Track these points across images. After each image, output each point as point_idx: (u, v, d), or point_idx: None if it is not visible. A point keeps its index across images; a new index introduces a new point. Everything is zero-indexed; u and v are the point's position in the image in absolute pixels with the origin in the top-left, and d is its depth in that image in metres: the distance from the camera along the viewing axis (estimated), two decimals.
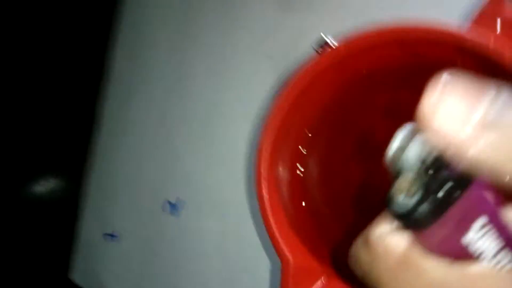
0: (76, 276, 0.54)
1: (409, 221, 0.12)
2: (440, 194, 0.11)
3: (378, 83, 0.25)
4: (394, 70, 0.24)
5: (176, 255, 0.45)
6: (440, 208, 0.11)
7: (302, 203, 0.25)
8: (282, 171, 0.24)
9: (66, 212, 0.58)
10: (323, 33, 0.30)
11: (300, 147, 0.25)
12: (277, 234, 0.22)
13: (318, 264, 0.22)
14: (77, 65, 0.61)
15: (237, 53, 0.44)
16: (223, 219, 0.42)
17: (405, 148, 0.12)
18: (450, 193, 0.11)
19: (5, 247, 0.60)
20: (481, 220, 0.11)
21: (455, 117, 0.11)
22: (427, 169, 0.12)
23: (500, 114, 0.10)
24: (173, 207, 0.46)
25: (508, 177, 0.10)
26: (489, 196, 0.11)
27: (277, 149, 0.23)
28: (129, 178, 0.51)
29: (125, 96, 0.52)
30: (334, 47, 0.22)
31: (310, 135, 0.25)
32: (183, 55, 0.48)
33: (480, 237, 0.11)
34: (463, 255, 0.11)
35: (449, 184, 0.11)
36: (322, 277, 0.22)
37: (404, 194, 0.12)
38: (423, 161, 0.12)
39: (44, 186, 0.63)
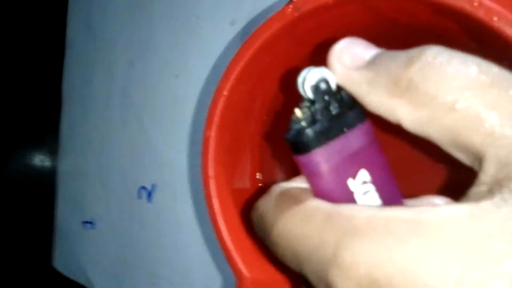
0: (58, 264, 0.52)
1: (296, 147, 0.13)
2: (325, 122, 0.13)
3: None
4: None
5: (152, 240, 0.43)
6: (324, 135, 0.12)
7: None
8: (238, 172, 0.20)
9: (45, 197, 0.56)
10: None
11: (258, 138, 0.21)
12: (229, 244, 0.19)
13: (280, 276, 0.19)
14: (39, 42, 0.56)
15: (199, 19, 0.39)
16: (196, 203, 0.39)
17: (305, 78, 0.13)
18: (334, 123, 0.13)
19: None
20: (363, 174, 0.13)
21: (352, 59, 0.13)
22: (320, 99, 0.13)
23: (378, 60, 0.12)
24: (148, 193, 0.43)
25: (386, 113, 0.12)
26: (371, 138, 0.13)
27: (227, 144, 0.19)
28: (101, 162, 0.48)
29: (87, 73, 0.48)
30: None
31: (265, 118, 0.21)
32: (144, 26, 0.43)
33: (362, 192, 0.13)
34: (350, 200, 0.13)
35: (334, 113, 0.13)
36: None
37: (295, 121, 0.13)
38: (317, 90, 0.13)
39: (21, 167, 0.60)
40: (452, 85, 0.11)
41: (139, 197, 0.44)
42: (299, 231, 0.12)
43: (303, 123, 0.12)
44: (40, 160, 0.57)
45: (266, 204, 0.13)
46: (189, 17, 0.40)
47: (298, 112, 0.13)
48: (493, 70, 0.11)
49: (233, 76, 0.19)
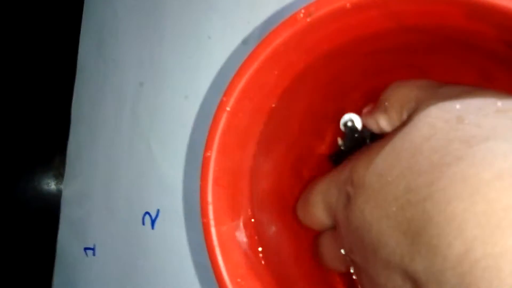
0: None
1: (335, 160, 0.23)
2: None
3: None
4: (383, 49, 0.17)
5: (154, 269, 0.40)
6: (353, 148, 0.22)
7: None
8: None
9: (50, 222, 0.54)
10: None
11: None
12: (228, 283, 0.16)
13: None
14: (51, 65, 0.56)
15: (211, 39, 0.38)
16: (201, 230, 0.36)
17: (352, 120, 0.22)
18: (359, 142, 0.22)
19: None
20: None
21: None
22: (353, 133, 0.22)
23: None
24: (153, 219, 0.41)
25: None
26: None
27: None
28: (106, 186, 0.46)
29: (96, 95, 0.47)
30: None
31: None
32: (154, 47, 0.42)
33: None
34: None
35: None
36: None
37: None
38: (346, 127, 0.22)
39: (28, 190, 0.59)
40: None
41: (143, 223, 0.42)
42: None
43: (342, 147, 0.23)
44: (46, 183, 0.55)
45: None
46: (201, 37, 0.39)
47: (339, 140, 0.23)
48: None
49: (237, 90, 0.17)
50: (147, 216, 0.42)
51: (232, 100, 0.17)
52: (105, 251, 0.45)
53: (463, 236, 0.11)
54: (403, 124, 0.16)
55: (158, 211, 0.41)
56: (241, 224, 0.19)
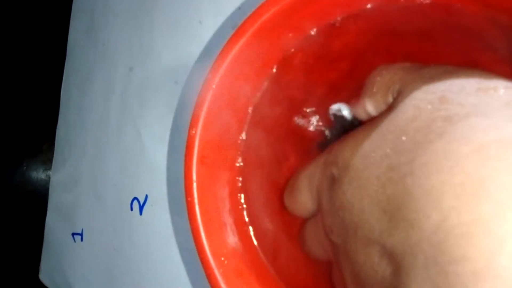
0: (44, 277, 0.49)
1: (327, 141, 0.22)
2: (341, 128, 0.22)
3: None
4: (371, 30, 0.17)
5: (141, 255, 0.40)
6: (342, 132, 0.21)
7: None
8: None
9: (38, 208, 0.54)
10: None
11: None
12: (211, 260, 0.16)
13: None
14: (41, 50, 0.55)
15: (202, 24, 0.37)
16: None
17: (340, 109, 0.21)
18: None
19: None
20: None
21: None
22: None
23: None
24: (141, 205, 0.41)
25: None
26: None
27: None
28: (95, 172, 0.46)
29: (86, 79, 0.47)
30: None
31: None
32: (145, 32, 0.41)
33: None
34: None
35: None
36: None
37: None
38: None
39: (14, 181, 0.59)
40: None
41: (132, 209, 0.42)
42: None
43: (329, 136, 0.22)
44: (35, 168, 0.55)
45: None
46: (191, 22, 0.38)
47: (327, 130, 0.22)
48: None
49: (222, 68, 0.17)
50: (135, 201, 0.42)
51: (217, 78, 0.17)
52: (93, 237, 0.45)
53: (440, 207, 0.11)
54: (389, 107, 0.16)
55: (146, 196, 0.41)
56: (227, 205, 0.19)
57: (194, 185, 0.17)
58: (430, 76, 0.15)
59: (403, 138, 0.14)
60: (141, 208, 0.41)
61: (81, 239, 0.46)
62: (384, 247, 0.13)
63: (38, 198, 0.54)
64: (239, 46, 0.16)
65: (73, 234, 0.47)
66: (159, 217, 0.39)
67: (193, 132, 0.17)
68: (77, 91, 0.48)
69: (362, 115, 0.19)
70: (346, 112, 0.21)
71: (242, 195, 0.19)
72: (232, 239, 0.17)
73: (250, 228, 0.19)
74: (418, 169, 0.12)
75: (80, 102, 0.47)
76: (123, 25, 0.43)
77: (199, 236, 0.17)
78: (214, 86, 0.17)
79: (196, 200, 0.17)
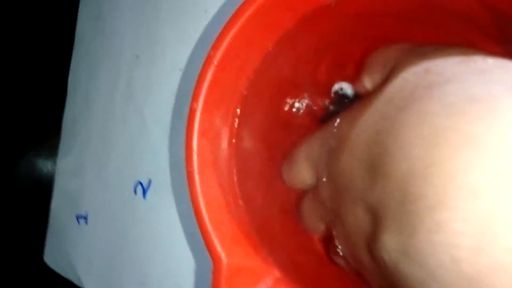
0: (49, 259, 0.51)
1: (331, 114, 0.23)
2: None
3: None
4: (370, 12, 0.18)
5: (144, 238, 0.41)
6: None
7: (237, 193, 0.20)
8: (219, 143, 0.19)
9: (44, 193, 0.55)
10: None
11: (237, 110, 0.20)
12: (208, 225, 0.17)
13: (261, 264, 0.17)
14: (49, 38, 0.56)
15: (207, 13, 0.38)
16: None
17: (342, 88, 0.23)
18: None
19: None
20: None
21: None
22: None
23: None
24: (144, 189, 0.42)
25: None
26: None
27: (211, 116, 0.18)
28: (100, 156, 0.47)
29: (93, 67, 0.48)
30: None
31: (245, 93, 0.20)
32: (151, 20, 0.42)
33: None
34: None
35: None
36: (267, 279, 0.17)
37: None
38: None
39: (21, 166, 0.60)
40: None
41: (135, 192, 0.43)
42: None
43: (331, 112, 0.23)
44: (41, 154, 0.56)
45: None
46: (197, 10, 0.39)
47: (330, 106, 0.23)
48: None
49: (224, 45, 0.18)
50: (139, 186, 0.43)
51: (219, 55, 0.18)
52: (97, 220, 0.46)
53: (409, 157, 0.13)
54: (384, 82, 0.17)
55: (150, 181, 0.42)
56: (226, 176, 0.20)
57: (195, 156, 0.18)
58: (421, 52, 0.17)
59: (390, 106, 0.15)
60: (144, 192, 0.42)
61: (86, 222, 0.47)
62: (367, 203, 0.14)
63: (44, 183, 0.56)
64: (239, 24, 0.17)
65: (77, 217, 0.48)
66: (163, 201, 0.40)
67: (195, 106, 0.18)
68: (84, 78, 0.49)
69: (362, 92, 0.20)
70: (348, 90, 0.22)
71: (235, 170, 0.20)
72: (230, 209, 0.18)
73: (242, 202, 0.20)
74: (396, 129, 0.14)
75: (87, 89, 0.48)
76: (130, 13, 0.44)
77: (198, 204, 0.18)
78: (215, 62, 0.18)
79: (196, 170, 0.18)
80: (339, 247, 0.18)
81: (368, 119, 0.16)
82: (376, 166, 0.14)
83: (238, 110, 0.20)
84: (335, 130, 0.18)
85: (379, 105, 0.16)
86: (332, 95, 0.23)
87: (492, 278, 0.11)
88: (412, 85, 0.15)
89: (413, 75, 0.15)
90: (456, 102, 0.13)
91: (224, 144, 0.20)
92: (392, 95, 0.15)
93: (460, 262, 0.11)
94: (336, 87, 0.23)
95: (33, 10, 0.57)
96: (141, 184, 0.42)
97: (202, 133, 0.18)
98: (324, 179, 0.18)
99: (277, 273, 0.17)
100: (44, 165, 0.58)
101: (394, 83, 0.16)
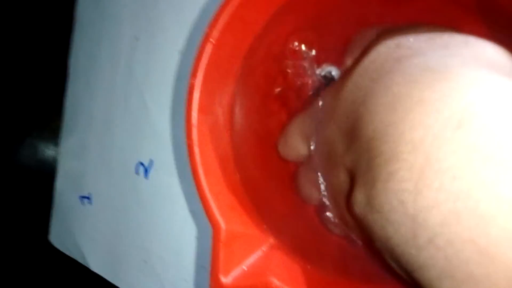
0: (54, 239, 0.52)
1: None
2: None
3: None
4: None
5: (147, 217, 0.42)
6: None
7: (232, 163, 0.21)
8: (218, 116, 0.20)
9: (47, 175, 0.56)
10: None
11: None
12: (207, 194, 0.18)
13: (258, 231, 0.18)
14: (48, 22, 0.56)
15: None
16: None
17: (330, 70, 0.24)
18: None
19: None
20: None
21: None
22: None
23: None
24: (146, 169, 0.43)
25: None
26: None
27: (212, 90, 0.19)
28: (102, 137, 0.48)
29: (93, 48, 0.48)
30: None
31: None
32: (148, 1, 0.43)
33: None
34: None
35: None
36: (263, 246, 0.18)
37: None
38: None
39: (23, 149, 0.61)
40: None
41: (137, 172, 0.44)
42: None
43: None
44: (44, 136, 0.57)
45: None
46: None
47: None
48: None
49: (221, 23, 0.19)
50: (140, 166, 0.44)
51: (215, 33, 0.19)
52: (101, 200, 0.47)
53: (373, 120, 0.15)
54: (361, 54, 0.19)
55: (151, 161, 0.43)
56: (223, 150, 0.21)
57: (194, 130, 0.19)
58: (398, 30, 0.18)
59: (365, 77, 0.17)
60: (146, 172, 0.43)
61: (89, 202, 0.48)
62: (345, 165, 0.16)
63: (48, 165, 0.57)
64: (235, 4, 0.18)
65: (81, 197, 0.49)
66: (164, 180, 0.41)
67: (193, 82, 0.19)
68: (84, 60, 0.50)
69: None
70: (334, 72, 0.23)
71: (232, 145, 0.21)
72: (228, 179, 0.19)
73: (239, 174, 0.21)
74: (368, 98, 0.16)
75: (87, 71, 0.49)
76: None
77: (198, 174, 0.19)
78: (212, 40, 0.19)
79: (195, 143, 0.19)
80: (330, 214, 0.19)
81: (347, 89, 0.18)
82: (352, 131, 0.16)
83: (234, 89, 0.21)
84: (321, 104, 0.19)
85: (355, 76, 0.17)
86: (321, 77, 0.24)
87: (428, 214, 0.13)
88: (383, 57, 0.17)
89: (385, 48, 0.17)
90: (415, 73, 0.15)
91: (221, 120, 0.21)
92: (366, 67, 0.17)
93: (405, 204, 0.13)
94: (324, 70, 0.24)
95: None
96: (143, 164, 0.43)
97: (200, 109, 0.19)
98: (315, 149, 0.19)
99: (272, 240, 0.19)
100: (47, 147, 0.59)
101: (369, 56, 0.18)
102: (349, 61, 0.21)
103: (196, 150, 0.19)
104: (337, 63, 0.24)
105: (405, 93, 0.14)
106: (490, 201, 0.12)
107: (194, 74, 0.19)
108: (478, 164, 0.12)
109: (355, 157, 0.16)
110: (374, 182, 0.14)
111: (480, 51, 0.16)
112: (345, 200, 0.16)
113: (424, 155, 0.13)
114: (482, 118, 0.12)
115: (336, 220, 0.19)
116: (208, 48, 0.19)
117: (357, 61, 0.18)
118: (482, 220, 0.12)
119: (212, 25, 0.18)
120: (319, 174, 0.19)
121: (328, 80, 0.24)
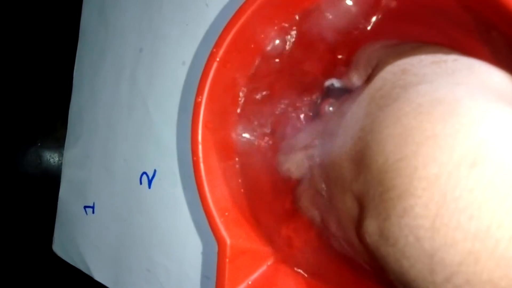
0: (57, 248, 0.52)
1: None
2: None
3: None
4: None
5: (150, 227, 0.43)
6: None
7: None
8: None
9: (51, 184, 0.56)
10: None
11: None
12: (213, 210, 0.19)
13: (262, 246, 0.19)
14: (54, 32, 0.57)
15: (209, 7, 0.39)
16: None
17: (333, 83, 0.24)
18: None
19: None
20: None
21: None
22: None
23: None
24: (150, 179, 0.44)
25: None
26: None
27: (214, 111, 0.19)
28: (106, 147, 0.48)
29: (97, 60, 0.49)
30: None
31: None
32: (154, 14, 0.43)
33: None
34: None
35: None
36: (268, 261, 0.19)
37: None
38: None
39: (28, 158, 0.61)
40: None
41: (141, 182, 0.44)
42: None
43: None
44: (48, 145, 0.58)
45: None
46: (199, 4, 0.40)
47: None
48: None
49: (226, 42, 0.19)
50: (144, 176, 0.44)
51: (221, 51, 0.19)
52: (104, 209, 0.48)
53: (384, 151, 0.15)
54: (367, 79, 0.19)
55: (155, 171, 0.43)
56: (228, 166, 0.21)
57: (200, 147, 0.19)
58: (400, 52, 0.18)
59: (372, 105, 0.17)
60: (149, 182, 0.43)
61: (93, 212, 0.49)
62: (354, 192, 0.16)
63: (52, 174, 0.57)
64: (242, 22, 0.18)
65: (85, 207, 0.50)
66: (167, 190, 0.42)
67: (199, 99, 0.19)
68: (89, 71, 0.50)
69: (349, 85, 0.22)
70: (337, 84, 0.24)
71: (237, 159, 0.21)
72: (233, 194, 0.20)
73: (243, 189, 0.21)
74: (376, 126, 0.16)
75: (92, 82, 0.50)
76: (133, 6, 0.45)
77: (204, 190, 0.19)
78: (218, 59, 0.19)
79: (201, 159, 0.19)
80: (333, 231, 0.19)
81: (354, 116, 0.18)
82: (360, 159, 0.16)
83: (239, 106, 0.21)
84: (326, 124, 0.20)
85: (362, 103, 0.18)
86: (324, 90, 0.25)
87: (446, 253, 0.13)
88: (390, 84, 0.17)
89: (391, 74, 0.17)
90: (423, 103, 0.15)
91: (226, 135, 0.21)
92: (373, 94, 0.17)
93: (422, 240, 0.13)
94: (327, 82, 0.25)
95: (39, 4, 0.58)
96: (146, 174, 0.44)
97: (206, 125, 0.19)
98: (317, 169, 0.20)
99: (276, 255, 0.19)
100: (52, 156, 0.59)
101: (375, 83, 0.18)
102: (354, 77, 0.21)
103: (202, 167, 0.19)
104: (340, 75, 0.24)
105: (416, 126, 0.14)
106: (509, 242, 0.12)
107: (200, 92, 0.19)
108: (495, 204, 0.12)
109: (364, 186, 0.16)
110: (387, 216, 0.14)
111: (485, 77, 0.16)
112: (354, 226, 0.17)
113: (440, 192, 0.13)
114: (496, 156, 0.13)
115: (339, 239, 0.19)
116: (214, 66, 0.19)
117: (363, 86, 0.19)
118: (502, 261, 0.12)
119: (218, 44, 0.19)
120: (321, 193, 0.20)
121: (331, 91, 0.24)
